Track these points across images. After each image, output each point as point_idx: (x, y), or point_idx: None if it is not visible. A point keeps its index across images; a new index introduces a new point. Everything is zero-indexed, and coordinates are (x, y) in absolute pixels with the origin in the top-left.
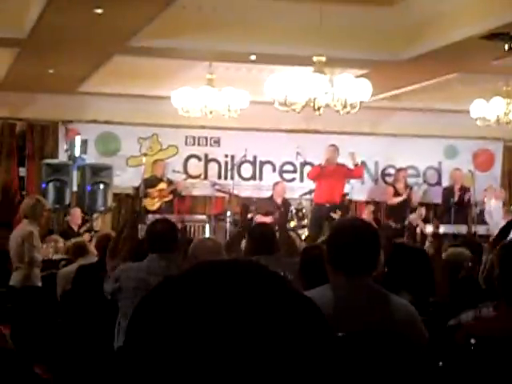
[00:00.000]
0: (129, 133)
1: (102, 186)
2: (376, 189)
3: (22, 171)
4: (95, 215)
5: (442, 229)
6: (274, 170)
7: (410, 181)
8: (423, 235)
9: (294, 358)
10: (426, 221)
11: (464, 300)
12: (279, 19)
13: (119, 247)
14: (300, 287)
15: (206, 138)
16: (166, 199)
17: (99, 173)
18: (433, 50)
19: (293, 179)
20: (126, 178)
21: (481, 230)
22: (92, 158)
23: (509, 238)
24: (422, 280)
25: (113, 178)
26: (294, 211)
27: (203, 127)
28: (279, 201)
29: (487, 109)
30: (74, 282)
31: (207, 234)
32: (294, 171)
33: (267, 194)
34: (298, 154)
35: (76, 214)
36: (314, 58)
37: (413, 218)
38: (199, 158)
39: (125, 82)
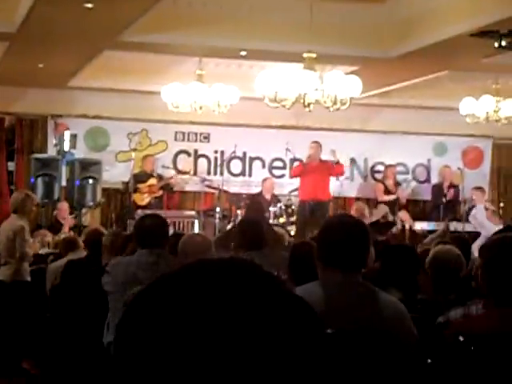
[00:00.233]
0: (118, 128)
1: (91, 181)
2: (365, 186)
3: (11, 165)
4: (84, 210)
5: (432, 226)
6: (264, 166)
7: (399, 178)
8: (413, 232)
9: (285, 356)
10: (414, 218)
11: (452, 297)
12: (270, 15)
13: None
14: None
15: (196, 134)
16: (156, 195)
17: (88, 168)
18: (422, 48)
19: (282, 175)
20: (115, 173)
21: (469, 227)
22: (81, 152)
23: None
24: (411, 277)
25: (102, 173)
26: (283, 207)
27: (193, 123)
28: (268, 197)
29: (476, 106)
30: (63, 277)
31: (196, 230)
32: (284, 167)
33: (256, 190)
34: (287, 150)
35: (63, 208)
36: (305, 55)
37: (402, 215)
38: (189, 154)
39: (114, 77)
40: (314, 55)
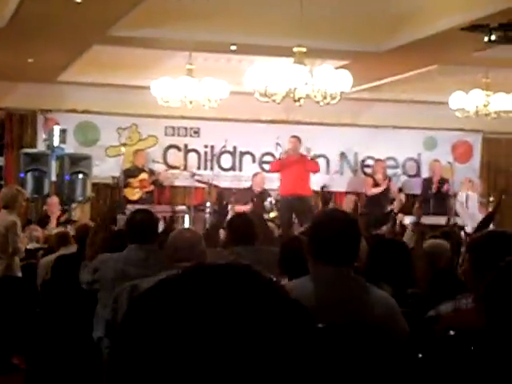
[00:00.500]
0: (108, 123)
1: (80, 176)
2: (355, 180)
3: (1, 160)
4: (74, 205)
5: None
6: (254, 160)
7: (390, 172)
8: (402, 226)
9: (280, 356)
10: (405, 212)
11: (443, 291)
12: (260, 9)
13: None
14: (280, 278)
15: (186, 129)
16: (147, 190)
17: (78, 162)
18: (413, 42)
19: None
20: (105, 168)
21: (460, 221)
22: (71, 147)
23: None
24: (401, 271)
25: (92, 168)
26: (273, 202)
27: (183, 117)
28: (258, 191)
29: (466, 100)
30: (53, 272)
31: (186, 225)
32: None
33: (247, 185)
34: (277, 144)
35: (53, 203)
36: (295, 49)
37: (392, 208)
38: (179, 149)
39: (104, 72)
40: (304, 49)
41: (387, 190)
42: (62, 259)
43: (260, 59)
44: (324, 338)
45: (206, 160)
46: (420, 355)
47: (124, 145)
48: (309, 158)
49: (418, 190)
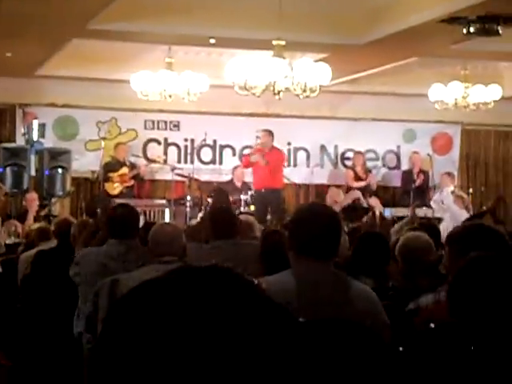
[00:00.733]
0: (87, 117)
1: (60, 171)
2: (336, 172)
3: None
4: (54, 200)
5: (401, 212)
6: (234, 153)
7: (369, 164)
8: (382, 218)
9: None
10: (385, 205)
11: (423, 284)
12: (239, 2)
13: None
14: (260, 272)
15: (166, 122)
16: (127, 184)
17: (57, 157)
18: (392, 34)
19: None
20: (84, 162)
21: (438, 212)
22: (50, 141)
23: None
24: (382, 265)
25: (71, 163)
26: (254, 195)
27: (162, 111)
28: (239, 185)
29: (445, 92)
30: (33, 267)
31: (167, 219)
32: None
33: (227, 178)
34: (257, 137)
35: (32, 198)
36: (274, 42)
37: (373, 201)
38: (159, 142)
39: (83, 66)
40: (283, 42)
41: (368, 183)
42: (42, 254)
43: (240, 52)
44: (305, 334)
45: (186, 153)
46: (401, 348)
47: (103, 139)
48: (281, 150)
49: (397, 183)
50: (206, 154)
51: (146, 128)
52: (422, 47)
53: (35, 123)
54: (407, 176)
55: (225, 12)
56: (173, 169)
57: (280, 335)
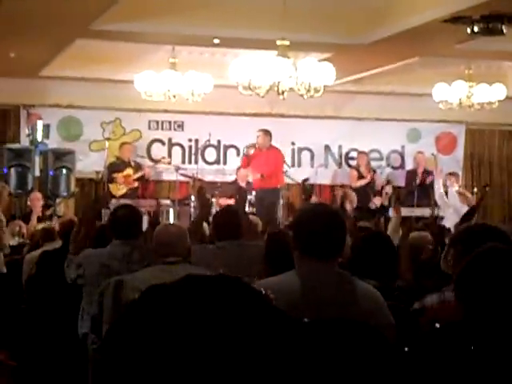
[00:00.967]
0: (91, 117)
1: (64, 171)
2: (340, 172)
3: None
4: (58, 200)
5: (405, 212)
6: (238, 154)
7: (374, 164)
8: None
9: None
10: (390, 204)
11: (428, 284)
12: (242, 2)
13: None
14: (265, 273)
15: (170, 123)
16: (132, 186)
17: (62, 157)
18: (395, 34)
19: None
20: (88, 163)
21: (442, 212)
22: (54, 142)
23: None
24: (386, 264)
25: (75, 163)
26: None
27: (166, 111)
28: (243, 185)
29: (449, 92)
30: (38, 268)
31: (171, 219)
32: None
33: (231, 178)
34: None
35: (36, 199)
36: (278, 42)
37: (377, 200)
38: (163, 143)
39: (87, 66)
40: (287, 42)
41: (372, 182)
42: (46, 255)
43: (244, 52)
44: (310, 334)
45: (190, 154)
46: (406, 349)
47: (108, 139)
48: (279, 149)
49: (402, 182)
50: (210, 155)
51: (150, 128)
52: (426, 47)
53: (39, 124)
54: (411, 176)
55: (229, 12)
56: (177, 169)
57: (285, 342)
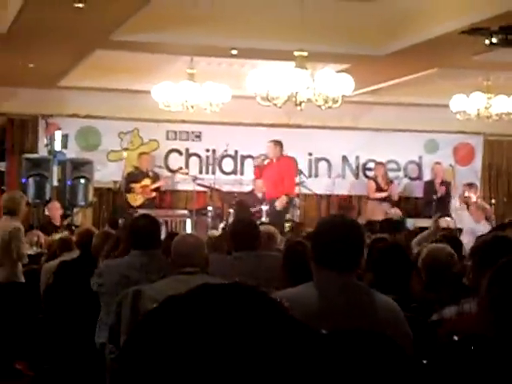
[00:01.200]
0: (109, 127)
1: (82, 181)
2: (357, 183)
3: (2, 166)
4: (76, 210)
5: (422, 223)
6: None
7: (391, 175)
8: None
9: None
10: (407, 215)
11: (446, 295)
12: (261, 14)
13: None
14: (282, 283)
15: (187, 133)
16: (149, 197)
17: (80, 167)
18: (413, 45)
19: None
20: (106, 173)
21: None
22: (72, 152)
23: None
24: (402, 276)
25: (93, 173)
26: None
27: (184, 121)
28: (260, 195)
29: (467, 103)
30: (56, 278)
31: (188, 229)
32: None
33: (248, 189)
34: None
35: (54, 208)
36: (296, 53)
37: (394, 211)
38: (180, 153)
39: (106, 77)
40: (305, 53)
41: (389, 194)
42: (64, 265)
43: (262, 63)
44: (328, 346)
45: (207, 164)
46: (424, 361)
47: (126, 149)
48: (291, 157)
49: (419, 193)
50: (228, 165)
51: (167, 138)
52: (444, 58)
53: (58, 134)
54: (429, 187)
55: (247, 23)
56: (194, 179)
57: (302, 352)
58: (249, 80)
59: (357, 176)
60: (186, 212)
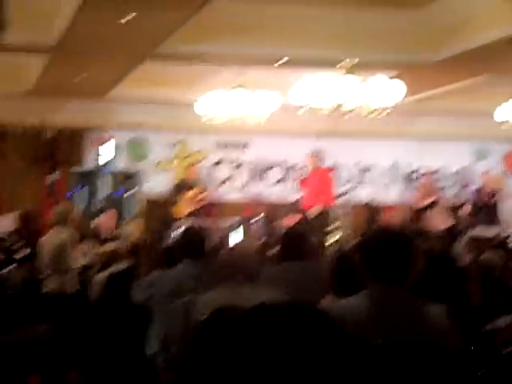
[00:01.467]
0: (158, 138)
1: (132, 192)
2: (405, 192)
3: (53, 177)
4: (126, 221)
5: (474, 232)
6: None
7: (440, 183)
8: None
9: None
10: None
11: (498, 304)
12: (308, 22)
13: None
14: (328, 293)
15: (235, 143)
16: (197, 206)
17: (129, 178)
18: (463, 52)
19: None
20: (155, 184)
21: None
22: (122, 163)
23: None
24: (453, 285)
25: (143, 184)
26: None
27: (232, 132)
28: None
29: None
30: (107, 288)
31: (237, 239)
32: None
33: (295, 198)
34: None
35: (106, 219)
36: (345, 62)
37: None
38: (228, 163)
39: (154, 88)
40: (353, 62)
41: (436, 202)
42: (115, 275)
43: (308, 71)
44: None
45: (254, 174)
46: (481, 371)
47: (174, 160)
48: (327, 169)
49: (469, 201)
50: (275, 175)
51: (215, 149)
52: (494, 65)
53: (107, 145)
54: (479, 195)
55: (295, 32)
56: (242, 189)
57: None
58: (296, 89)
59: (405, 185)
60: (235, 222)
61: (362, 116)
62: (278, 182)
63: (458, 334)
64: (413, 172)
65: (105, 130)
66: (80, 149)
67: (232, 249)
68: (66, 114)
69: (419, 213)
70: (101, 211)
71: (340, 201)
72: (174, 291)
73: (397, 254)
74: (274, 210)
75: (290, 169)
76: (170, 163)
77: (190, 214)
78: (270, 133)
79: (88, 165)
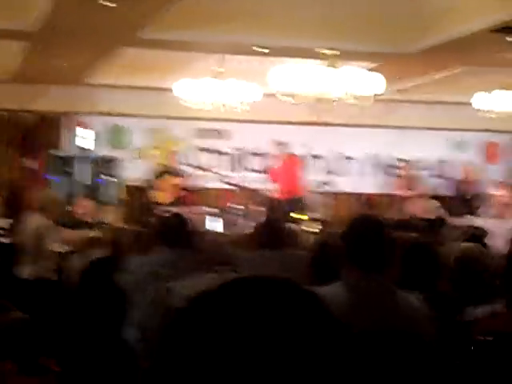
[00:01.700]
0: (139, 125)
1: (111, 179)
2: (386, 182)
3: (32, 164)
4: (106, 208)
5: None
6: None
7: (420, 173)
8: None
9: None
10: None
11: (474, 295)
12: (290, 12)
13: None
14: (306, 282)
15: (217, 131)
16: (178, 194)
17: (109, 165)
18: (444, 43)
19: None
20: (136, 171)
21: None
22: (102, 150)
23: None
24: (429, 275)
25: (123, 171)
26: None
27: (213, 120)
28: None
29: (495, 101)
30: (85, 275)
31: (217, 227)
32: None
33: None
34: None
35: (83, 206)
36: (326, 52)
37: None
38: (209, 151)
39: (134, 74)
40: (335, 52)
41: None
42: (94, 262)
43: (291, 61)
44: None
45: (236, 162)
46: (457, 361)
47: (155, 147)
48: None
49: (448, 192)
50: (256, 163)
51: (196, 136)
52: (473, 56)
53: (87, 132)
54: (458, 185)
55: (277, 22)
56: (223, 177)
57: (336, 348)
58: (277, 78)
59: (386, 174)
60: (214, 210)
61: (343, 106)
62: (258, 170)
63: (433, 322)
64: (394, 162)
65: (86, 116)
66: (59, 134)
67: (210, 236)
68: (46, 100)
69: (402, 202)
70: (80, 197)
71: (321, 190)
72: (151, 277)
73: (374, 241)
74: (254, 198)
75: (270, 157)
76: (149, 150)
77: (169, 201)
78: (251, 121)
79: (68, 150)
